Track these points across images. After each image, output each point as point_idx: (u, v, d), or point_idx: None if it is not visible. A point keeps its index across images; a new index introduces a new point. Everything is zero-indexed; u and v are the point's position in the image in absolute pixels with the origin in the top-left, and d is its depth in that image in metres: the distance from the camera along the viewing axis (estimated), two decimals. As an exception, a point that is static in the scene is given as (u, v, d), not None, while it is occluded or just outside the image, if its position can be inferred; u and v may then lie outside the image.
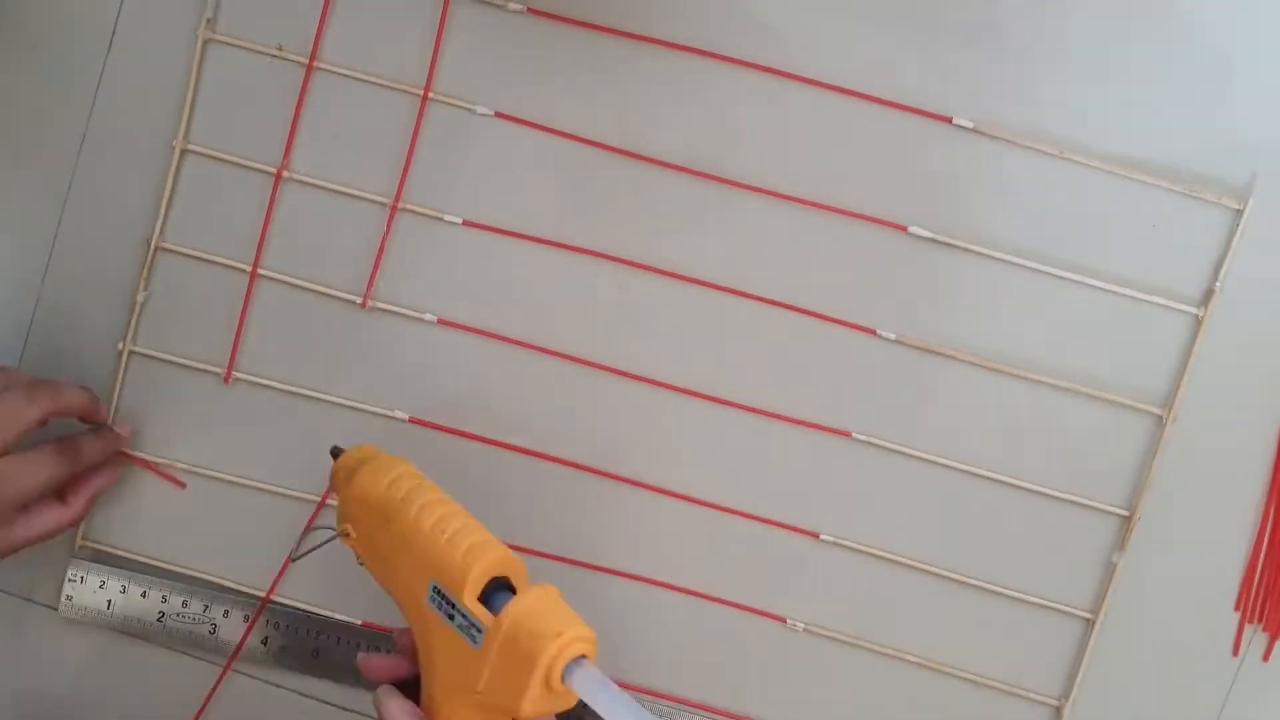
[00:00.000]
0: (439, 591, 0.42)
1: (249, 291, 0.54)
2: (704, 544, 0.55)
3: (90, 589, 0.55)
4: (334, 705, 0.56)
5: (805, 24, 0.52)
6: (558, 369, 0.54)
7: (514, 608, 0.40)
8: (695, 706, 0.55)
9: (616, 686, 0.39)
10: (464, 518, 0.43)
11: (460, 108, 0.53)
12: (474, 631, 0.41)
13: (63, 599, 0.55)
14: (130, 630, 0.55)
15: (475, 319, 0.54)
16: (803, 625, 0.54)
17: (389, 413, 0.54)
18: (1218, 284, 0.52)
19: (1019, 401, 0.53)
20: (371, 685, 0.43)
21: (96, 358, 0.55)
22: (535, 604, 0.41)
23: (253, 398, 0.55)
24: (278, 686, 0.56)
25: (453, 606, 0.42)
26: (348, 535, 0.46)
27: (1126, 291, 0.53)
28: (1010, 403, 0.53)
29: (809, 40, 0.52)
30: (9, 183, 0.55)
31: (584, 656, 0.40)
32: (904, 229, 0.53)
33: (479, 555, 0.42)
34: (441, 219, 0.54)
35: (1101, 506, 0.54)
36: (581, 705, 0.40)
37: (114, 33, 0.54)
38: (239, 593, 0.55)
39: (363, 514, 0.45)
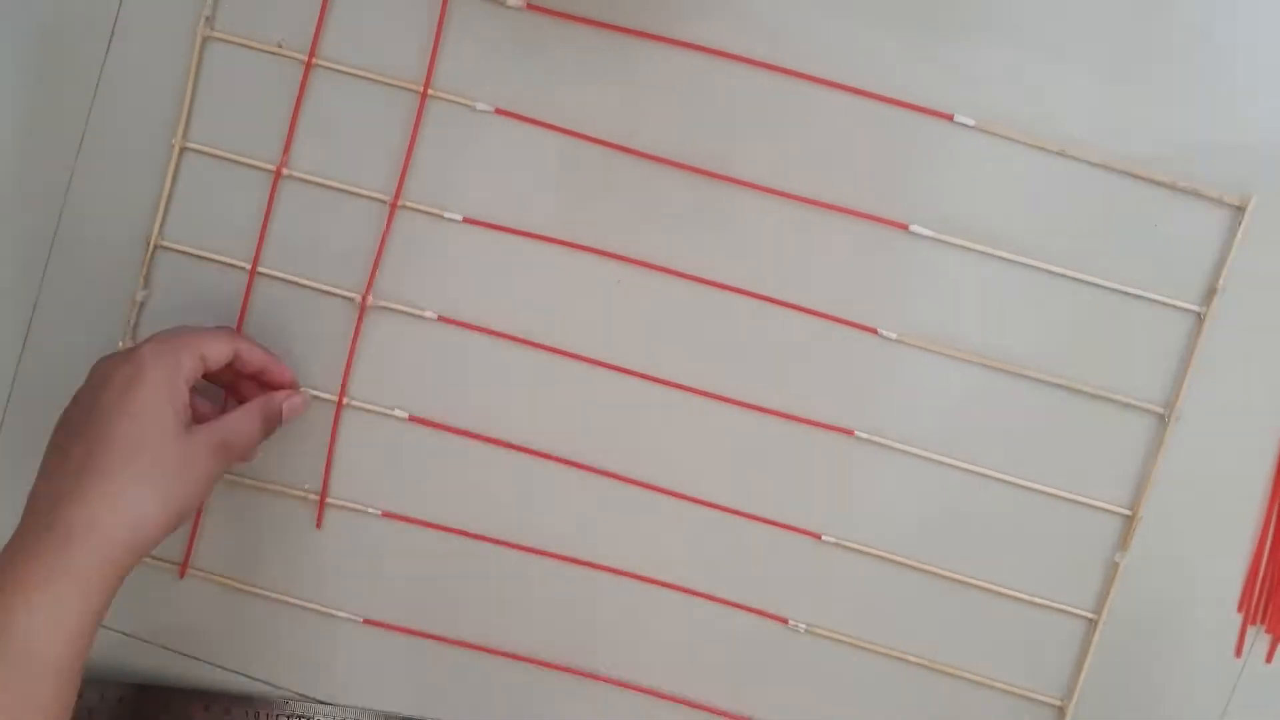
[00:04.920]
0: None
1: (249, 289, 0.54)
2: (705, 544, 0.54)
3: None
4: None
5: (806, 21, 0.52)
6: (558, 366, 0.54)
7: None
8: (697, 706, 0.55)
9: None
10: None
11: (460, 104, 0.53)
12: None
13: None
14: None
15: (475, 316, 0.54)
16: (805, 626, 0.54)
17: (389, 411, 0.54)
18: (1220, 282, 0.52)
19: (1020, 401, 0.53)
20: None
21: (96, 355, 0.54)
22: None
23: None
24: None
25: None
26: None
27: (1128, 290, 0.53)
28: (1012, 402, 0.53)
29: (809, 37, 0.52)
30: (9, 181, 0.55)
31: None
32: (905, 227, 0.53)
33: None
34: (442, 216, 0.54)
35: (1103, 506, 0.53)
36: None
37: (113, 31, 0.54)
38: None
39: None
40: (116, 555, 0.44)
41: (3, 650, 0.41)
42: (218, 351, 0.49)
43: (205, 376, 0.49)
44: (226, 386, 0.53)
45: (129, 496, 0.44)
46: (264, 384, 0.52)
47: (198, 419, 0.48)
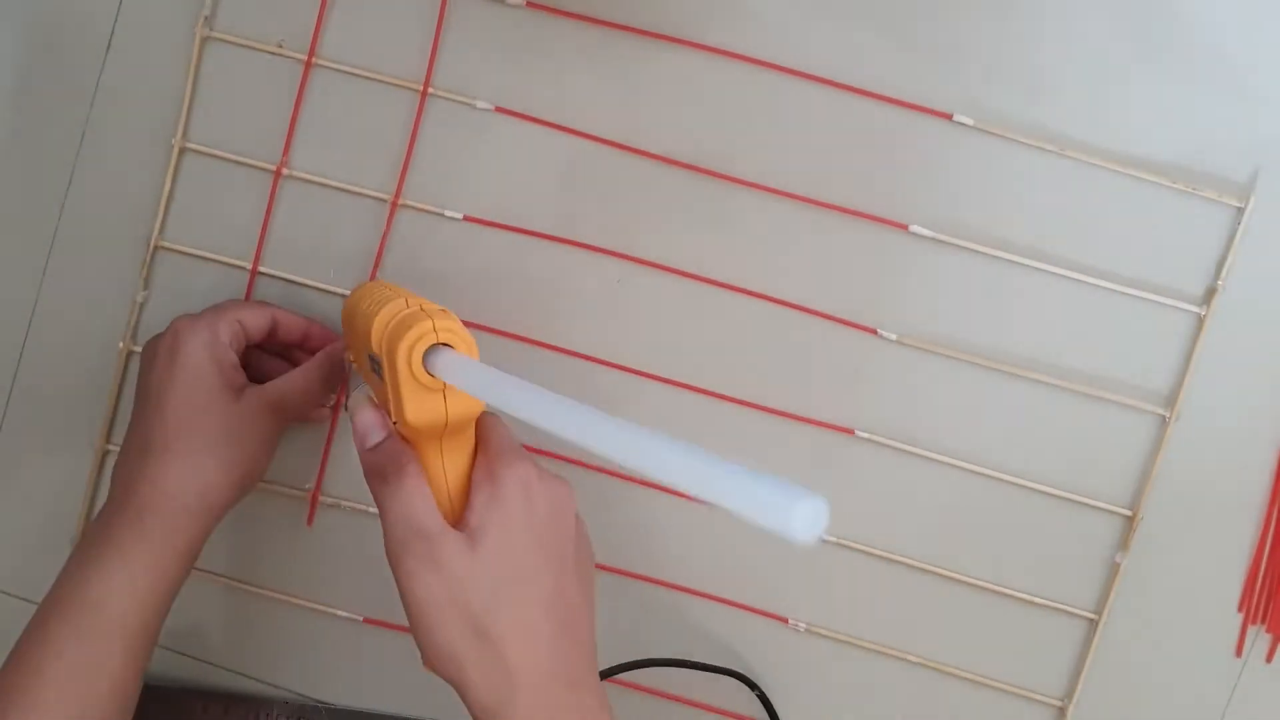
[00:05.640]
0: (371, 358, 0.42)
1: (249, 290, 0.54)
2: (705, 543, 0.54)
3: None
4: None
5: (806, 20, 0.52)
6: (558, 365, 0.54)
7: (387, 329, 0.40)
8: (698, 706, 0.55)
9: (482, 365, 0.38)
10: (402, 297, 0.42)
11: (460, 103, 0.53)
12: (379, 368, 0.40)
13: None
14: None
15: (476, 315, 0.54)
16: (805, 626, 0.54)
17: (388, 411, 0.54)
18: (1220, 282, 0.52)
19: (1021, 401, 0.53)
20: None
21: (97, 357, 0.55)
22: (410, 316, 0.40)
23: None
24: None
25: (374, 360, 0.41)
26: (349, 360, 0.47)
27: (1129, 290, 0.53)
28: (1012, 402, 0.53)
29: (809, 36, 0.52)
30: (8, 181, 0.55)
31: (445, 345, 0.39)
32: (905, 227, 0.53)
33: (383, 307, 0.41)
34: (442, 215, 0.54)
35: (1104, 506, 0.53)
36: None
37: (113, 31, 0.54)
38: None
39: (350, 333, 0.47)
40: (186, 524, 0.46)
41: (77, 614, 0.44)
42: (254, 319, 0.51)
43: (260, 348, 0.51)
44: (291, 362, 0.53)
45: (189, 467, 0.47)
46: (313, 351, 0.52)
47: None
